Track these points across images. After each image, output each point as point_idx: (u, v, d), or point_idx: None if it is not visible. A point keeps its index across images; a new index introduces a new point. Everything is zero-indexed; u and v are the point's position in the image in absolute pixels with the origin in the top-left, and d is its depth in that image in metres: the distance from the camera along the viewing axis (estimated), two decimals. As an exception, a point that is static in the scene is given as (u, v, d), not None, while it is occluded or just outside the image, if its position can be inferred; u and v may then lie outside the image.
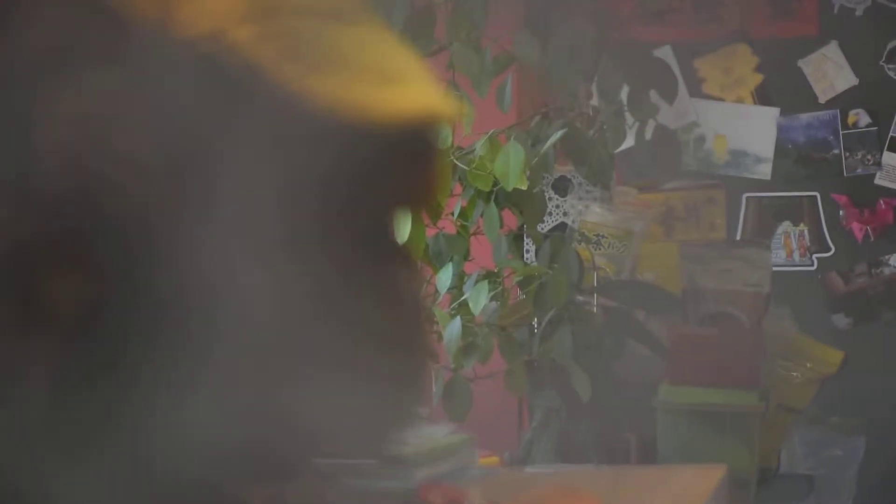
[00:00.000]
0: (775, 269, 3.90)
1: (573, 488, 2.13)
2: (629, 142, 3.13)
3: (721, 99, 4.03)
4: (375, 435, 0.98)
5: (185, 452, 0.87)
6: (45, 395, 0.84)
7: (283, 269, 0.88)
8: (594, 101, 3.05)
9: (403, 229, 2.62)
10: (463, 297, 2.92)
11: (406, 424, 0.98)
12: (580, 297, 3.08)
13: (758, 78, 4.02)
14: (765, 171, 4.00)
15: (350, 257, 0.92)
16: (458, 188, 2.94)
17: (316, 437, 0.92)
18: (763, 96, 4.03)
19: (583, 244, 3.24)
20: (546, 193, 3.15)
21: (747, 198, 4.00)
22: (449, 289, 2.93)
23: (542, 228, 3.13)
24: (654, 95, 3.17)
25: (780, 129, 4.01)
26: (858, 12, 3.98)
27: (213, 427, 0.87)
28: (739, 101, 4.04)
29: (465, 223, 2.98)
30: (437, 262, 2.95)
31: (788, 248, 3.99)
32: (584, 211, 3.27)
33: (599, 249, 3.28)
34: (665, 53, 3.95)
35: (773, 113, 4.01)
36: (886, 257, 3.97)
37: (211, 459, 0.88)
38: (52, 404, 0.85)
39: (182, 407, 0.86)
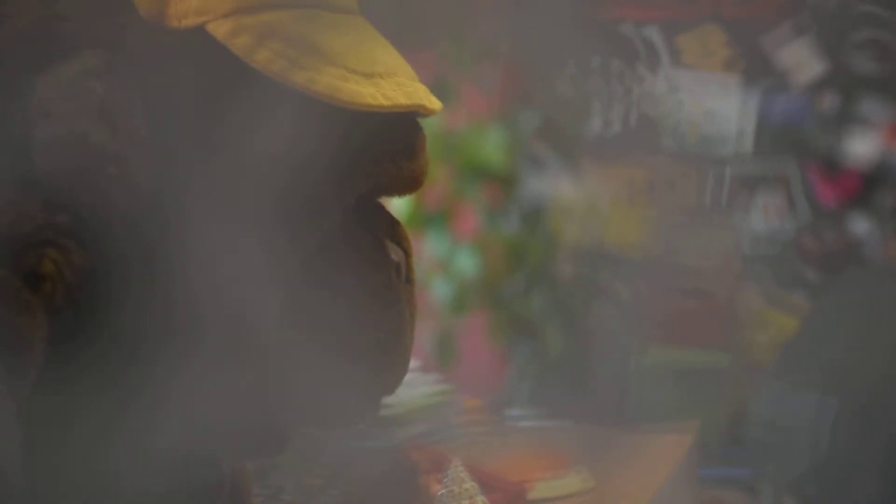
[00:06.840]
0: (747, 238, 3.94)
1: (553, 450, 2.17)
2: (604, 115, 3.21)
3: (696, 70, 4.03)
4: (359, 407, 0.97)
5: (184, 430, 0.87)
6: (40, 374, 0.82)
7: (268, 251, 0.87)
8: (570, 73, 3.16)
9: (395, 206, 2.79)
10: (451, 261, 3.22)
11: (387, 394, 0.98)
12: (555, 265, 3.25)
13: (731, 53, 4.03)
14: (738, 144, 4.02)
15: (330, 244, 0.92)
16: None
17: (303, 410, 0.92)
18: (737, 71, 4.05)
19: (556, 214, 3.34)
20: (523, 167, 3.30)
21: (720, 170, 4.02)
22: (439, 254, 3.23)
23: (520, 200, 3.29)
24: (628, 69, 3.25)
25: (754, 104, 4.03)
26: (830, -8, 4.01)
27: (209, 405, 0.87)
28: (712, 73, 4.04)
29: (453, 196, 3.23)
30: (429, 231, 3.23)
31: (760, 218, 4.00)
32: (557, 183, 3.33)
33: (573, 219, 3.33)
34: (644, 29, 3.95)
35: (747, 88, 4.03)
36: (856, 226, 4.01)
37: (208, 436, 0.89)
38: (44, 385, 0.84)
39: (180, 388, 0.86)
